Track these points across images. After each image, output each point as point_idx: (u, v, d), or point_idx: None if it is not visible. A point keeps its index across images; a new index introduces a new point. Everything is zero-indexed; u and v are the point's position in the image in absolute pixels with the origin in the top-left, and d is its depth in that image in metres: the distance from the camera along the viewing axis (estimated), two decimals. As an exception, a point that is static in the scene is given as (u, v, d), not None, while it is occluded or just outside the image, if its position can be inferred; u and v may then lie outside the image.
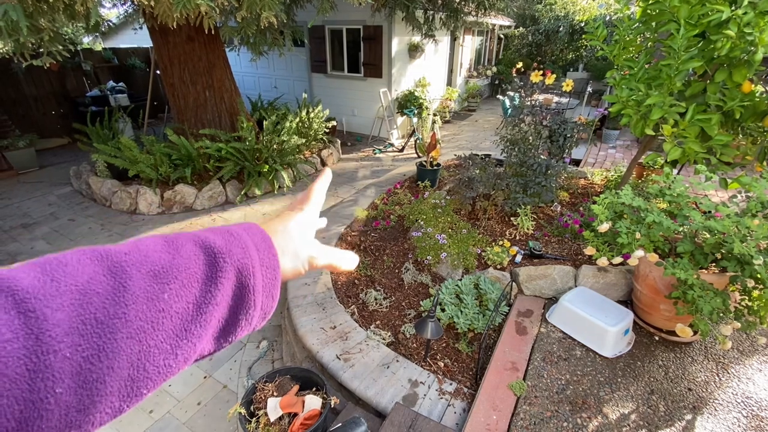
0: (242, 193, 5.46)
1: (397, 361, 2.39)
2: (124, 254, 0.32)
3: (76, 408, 0.27)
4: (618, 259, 2.34)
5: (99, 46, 10.38)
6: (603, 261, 2.37)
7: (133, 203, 5.28)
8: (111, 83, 9.10)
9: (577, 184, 4.63)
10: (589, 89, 7.84)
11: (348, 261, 0.52)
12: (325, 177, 0.54)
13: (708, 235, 2.13)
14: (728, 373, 2.20)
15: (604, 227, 2.29)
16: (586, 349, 2.33)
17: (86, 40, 12.38)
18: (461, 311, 2.60)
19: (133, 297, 0.30)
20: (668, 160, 2.95)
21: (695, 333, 2.32)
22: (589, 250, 2.44)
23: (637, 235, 2.19)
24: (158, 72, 6.38)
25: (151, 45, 5.74)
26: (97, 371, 0.28)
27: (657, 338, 2.44)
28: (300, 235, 0.46)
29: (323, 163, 6.91)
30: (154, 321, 0.31)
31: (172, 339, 0.32)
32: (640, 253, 2.16)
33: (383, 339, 2.59)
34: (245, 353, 3.24)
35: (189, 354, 0.33)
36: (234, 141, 5.54)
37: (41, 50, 3.01)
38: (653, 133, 3.08)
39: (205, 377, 3.03)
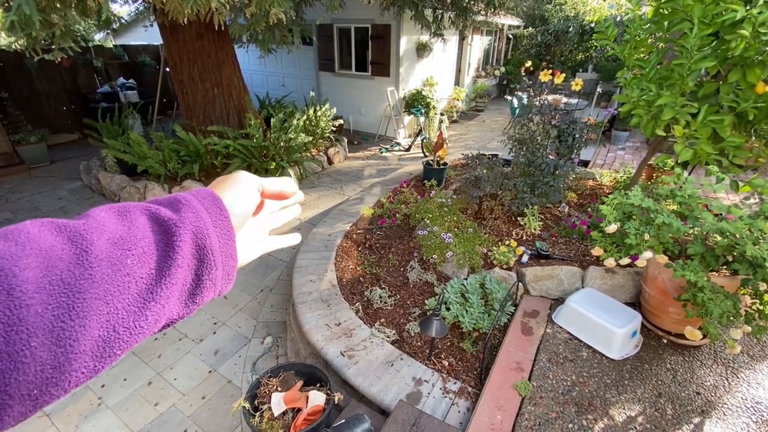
0: (249, 190, 5.47)
1: (401, 359, 2.38)
2: (82, 224, 0.33)
3: (52, 365, 0.28)
4: (625, 261, 2.31)
5: (110, 44, 10.49)
6: (610, 262, 2.35)
7: (142, 199, 5.33)
8: (121, 80, 9.20)
9: (585, 185, 4.58)
10: (599, 90, 7.76)
11: (289, 187, 0.51)
12: (292, 186, 0.52)
13: (719, 238, 2.10)
14: (738, 377, 2.17)
15: (612, 228, 2.26)
16: (592, 350, 2.31)
17: (98, 37, 12.53)
18: (466, 311, 2.59)
19: (96, 260, 0.31)
20: (679, 162, 2.91)
21: (704, 336, 2.29)
22: (597, 251, 2.41)
23: (646, 237, 2.16)
24: (168, 69, 6.43)
25: (161, 42, 5.79)
26: (70, 329, 0.28)
27: (665, 341, 2.41)
28: (247, 186, 0.47)
29: (330, 162, 6.92)
30: (121, 285, 0.32)
31: (140, 302, 0.33)
32: (648, 254, 2.13)
33: (388, 337, 2.58)
34: (250, 349, 3.25)
35: (159, 316, 0.35)
36: (241, 138, 5.57)
37: (53, 45, 3.04)
38: (664, 134, 3.04)
39: (210, 372, 3.05)
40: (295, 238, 0.57)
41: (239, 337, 3.36)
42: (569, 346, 2.34)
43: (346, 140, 7.63)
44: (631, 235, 2.19)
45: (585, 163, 6.10)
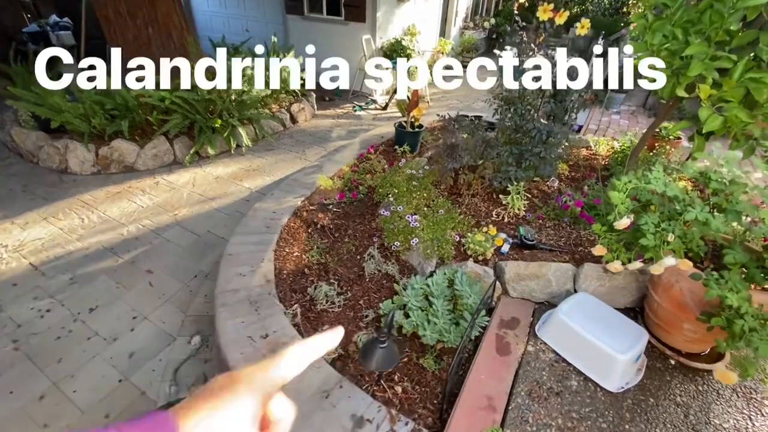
0: (192, 152, 4.69)
1: (341, 386, 1.83)
2: None
3: None
4: (637, 265, 1.77)
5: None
6: (616, 266, 1.80)
7: (63, 161, 4.50)
8: (54, 18, 7.88)
9: (579, 155, 3.99)
10: (600, 41, 6.97)
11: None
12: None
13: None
14: (763, 414, 1.71)
15: (624, 223, 1.69)
16: (584, 377, 1.80)
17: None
18: (429, 320, 2.03)
19: None
20: (704, 132, 2.31)
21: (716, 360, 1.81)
22: (599, 250, 1.85)
23: (670, 237, 1.59)
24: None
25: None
26: None
27: (673, 362, 1.92)
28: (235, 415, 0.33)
29: (293, 120, 6.09)
30: None
31: None
32: (670, 261, 1.58)
33: (328, 354, 2.03)
34: (174, 350, 2.68)
35: None
36: (181, 89, 4.68)
37: None
38: (686, 95, 2.42)
39: (120, 380, 2.48)
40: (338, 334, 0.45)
41: (162, 336, 2.78)
42: (555, 371, 1.83)
43: (314, 95, 6.76)
44: (647, 233, 1.62)
45: (578, 129, 5.49)
